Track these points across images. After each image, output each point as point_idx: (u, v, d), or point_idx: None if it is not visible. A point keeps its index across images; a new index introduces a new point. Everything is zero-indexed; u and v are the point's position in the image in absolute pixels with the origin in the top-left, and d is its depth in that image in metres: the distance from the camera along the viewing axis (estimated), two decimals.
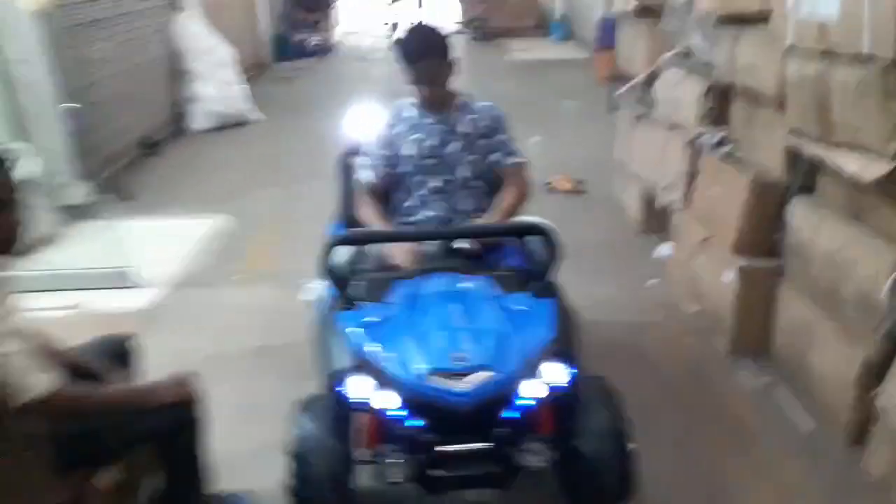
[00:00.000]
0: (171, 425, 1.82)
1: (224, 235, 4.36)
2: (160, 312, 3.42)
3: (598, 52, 9.05)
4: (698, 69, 3.45)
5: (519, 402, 1.80)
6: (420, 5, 14.08)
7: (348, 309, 1.95)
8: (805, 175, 2.71)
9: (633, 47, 4.31)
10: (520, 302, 1.96)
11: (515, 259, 2.31)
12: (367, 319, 1.91)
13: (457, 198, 2.48)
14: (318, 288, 2.28)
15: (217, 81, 6.89)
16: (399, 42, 2.46)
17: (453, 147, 2.46)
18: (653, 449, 2.23)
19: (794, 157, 2.70)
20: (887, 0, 1.93)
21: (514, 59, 11.05)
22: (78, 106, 4.05)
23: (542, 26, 13.15)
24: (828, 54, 2.24)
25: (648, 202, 4.14)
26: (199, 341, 3.15)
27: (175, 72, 6.81)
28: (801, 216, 2.66)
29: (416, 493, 1.86)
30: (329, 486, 1.86)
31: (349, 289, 2.02)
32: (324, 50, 11.73)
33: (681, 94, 3.57)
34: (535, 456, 1.82)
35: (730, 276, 2.94)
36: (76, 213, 4.47)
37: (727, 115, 3.26)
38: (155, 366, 2.62)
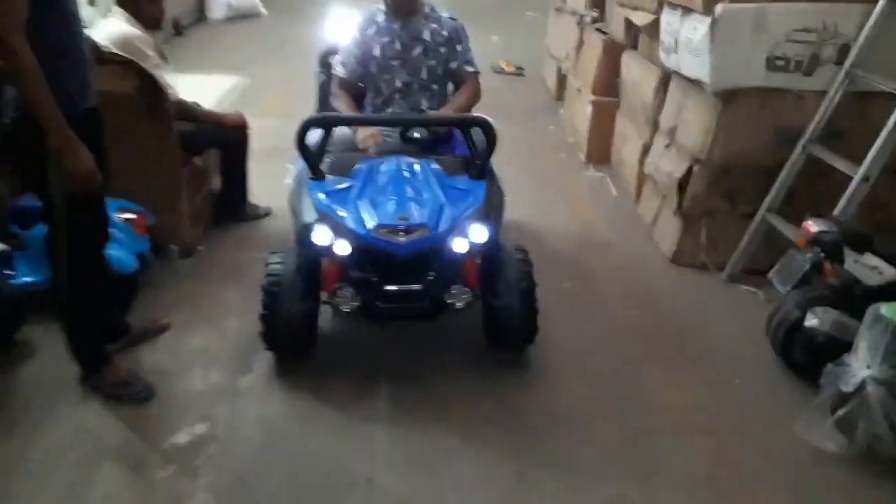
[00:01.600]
0: (233, 137, 3.31)
1: (243, 89, 5.78)
2: None
3: None
4: None
5: (448, 255, 2.26)
6: None
7: (318, 179, 2.40)
8: (634, 37, 4.13)
9: None
10: (458, 182, 2.42)
11: (461, 148, 2.67)
12: (332, 187, 2.36)
13: (417, 97, 2.88)
14: (297, 169, 2.64)
15: None
16: None
17: (416, 51, 2.82)
18: (524, 200, 3.77)
19: (628, 25, 4.11)
20: None
21: None
22: None
23: None
24: None
25: (560, 75, 5.55)
26: None
27: None
28: (625, 63, 4.10)
29: (364, 324, 2.44)
30: (296, 319, 2.34)
31: (320, 164, 2.42)
32: None
33: None
34: (458, 298, 2.32)
35: (588, 108, 4.40)
36: None
37: (604, 1, 4.64)
38: None
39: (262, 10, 8.48)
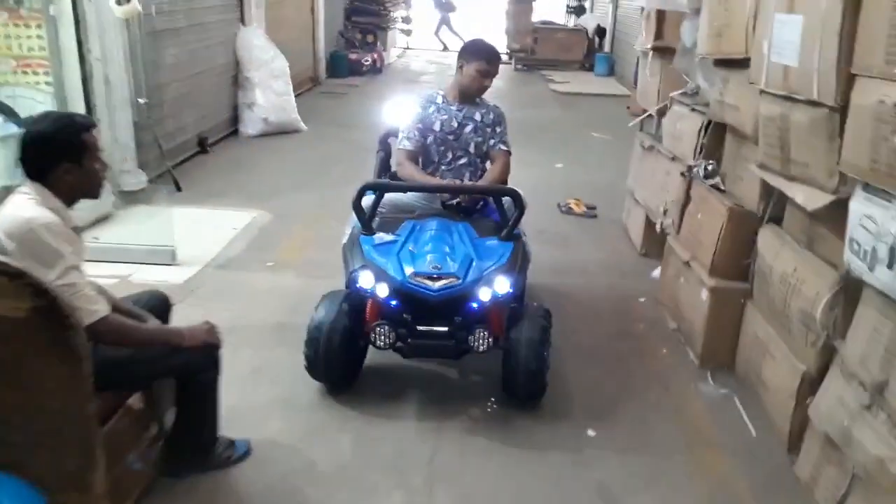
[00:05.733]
0: (196, 364, 2.20)
1: (261, 228, 4.79)
2: (195, 288, 3.84)
3: (635, 88, 9.38)
4: (700, 106, 3.76)
5: (474, 302, 2.67)
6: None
7: (368, 234, 2.84)
8: (776, 206, 2.98)
9: (649, 83, 4.62)
10: (489, 242, 2.84)
11: (494, 215, 3.06)
12: (380, 241, 2.80)
13: (461, 169, 3.26)
14: (349, 232, 3.08)
15: (271, 91, 7.42)
16: (480, 43, 3.29)
17: (468, 129, 3.24)
18: (614, 430, 2.61)
19: (767, 189, 2.98)
20: (832, 52, 2.23)
21: (556, 90, 11.42)
22: (144, 101, 4.50)
23: (587, 60, 13.54)
24: (788, 98, 2.53)
25: (650, 226, 4.42)
26: (226, 314, 3.52)
27: (235, 79, 7.38)
28: (766, 242, 2.93)
29: (401, 361, 2.84)
30: (340, 356, 2.72)
31: (371, 222, 2.88)
32: (375, 69, 12.31)
33: (682, 129, 3.87)
34: (479, 341, 2.65)
35: (705, 294, 3.21)
36: (132, 197, 4.98)
37: (721, 150, 3.55)
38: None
39: (302, 125, 7.71)
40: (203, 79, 6.66)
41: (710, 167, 3.50)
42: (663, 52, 4.33)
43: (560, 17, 16.33)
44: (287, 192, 5.57)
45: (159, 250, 4.07)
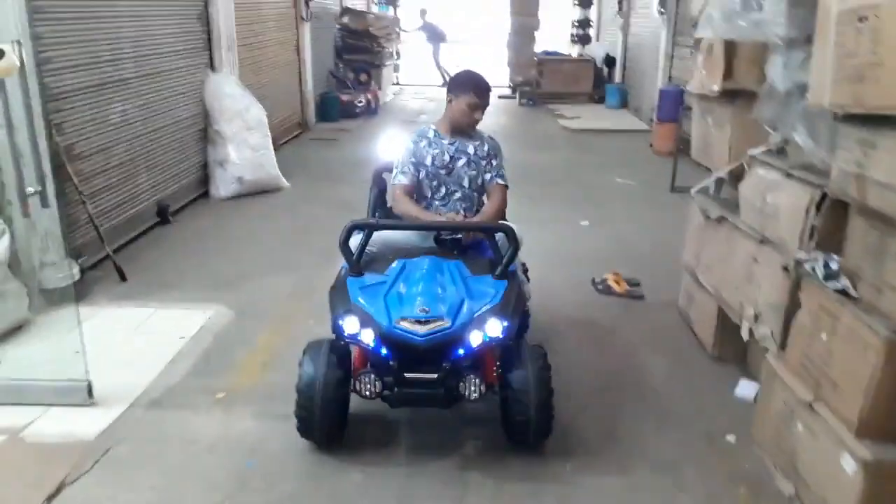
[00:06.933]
0: None
1: (217, 335, 3.72)
2: (112, 446, 2.77)
3: (657, 124, 8.41)
4: (801, 173, 2.73)
5: (464, 347, 2.52)
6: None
7: (356, 275, 2.70)
8: None
9: (713, 135, 3.59)
10: (482, 281, 2.70)
11: (488, 252, 2.92)
12: (368, 283, 2.66)
13: (456, 204, 3.15)
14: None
15: (245, 146, 6.42)
16: (469, 75, 3.16)
17: (461, 162, 3.15)
18: None
19: None
20: None
21: (566, 126, 10.45)
22: (34, 190, 3.41)
23: (597, 92, 12.62)
24: None
25: (724, 321, 3.36)
26: (147, 495, 2.48)
27: (204, 133, 6.40)
28: None
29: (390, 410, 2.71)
30: (336, 410, 2.61)
31: (359, 262, 2.73)
32: (370, 110, 11.38)
33: (779, 203, 2.83)
34: (471, 388, 2.53)
35: (851, 466, 2.14)
36: (59, 297, 3.94)
37: (842, 238, 2.51)
38: None
39: (283, 181, 6.70)
40: (162, 136, 5.66)
41: (832, 265, 2.45)
42: (733, 95, 3.31)
43: (564, 46, 15.49)
44: (256, 276, 4.53)
45: (70, 387, 3.00)
